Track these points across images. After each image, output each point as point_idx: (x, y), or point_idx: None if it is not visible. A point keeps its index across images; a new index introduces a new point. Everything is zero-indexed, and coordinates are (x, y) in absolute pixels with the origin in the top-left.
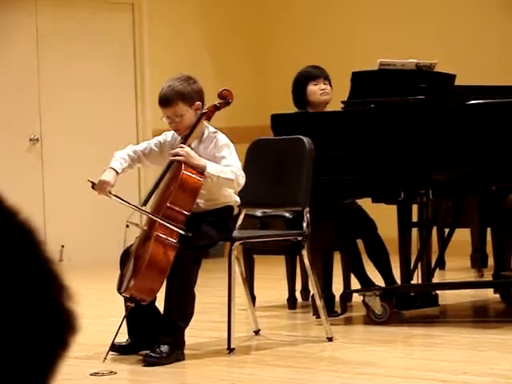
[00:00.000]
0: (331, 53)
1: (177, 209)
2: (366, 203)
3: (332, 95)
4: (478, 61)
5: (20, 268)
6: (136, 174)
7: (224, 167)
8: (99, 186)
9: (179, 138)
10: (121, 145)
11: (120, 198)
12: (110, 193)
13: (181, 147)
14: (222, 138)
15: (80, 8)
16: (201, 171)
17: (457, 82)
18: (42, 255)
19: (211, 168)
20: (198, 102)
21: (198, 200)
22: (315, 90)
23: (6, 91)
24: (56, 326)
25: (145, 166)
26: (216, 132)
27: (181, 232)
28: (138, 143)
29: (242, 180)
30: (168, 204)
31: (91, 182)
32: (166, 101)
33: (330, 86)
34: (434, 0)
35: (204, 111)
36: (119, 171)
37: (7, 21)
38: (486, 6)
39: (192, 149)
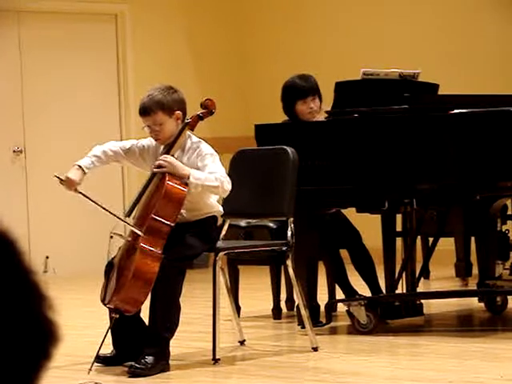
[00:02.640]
0: (315, 62)
1: (161, 220)
2: (350, 213)
3: (323, 104)
4: (462, 70)
5: (1, 278)
6: (120, 183)
7: (208, 174)
8: (66, 183)
9: (161, 147)
10: None
11: (87, 197)
12: (76, 190)
13: (163, 158)
14: (205, 148)
15: (63, 19)
16: (185, 182)
17: (440, 92)
18: (23, 266)
19: (195, 177)
20: (178, 112)
21: (182, 211)
22: (304, 109)
23: None
24: (38, 337)
25: (123, 164)
26: (199, 141)
27: (137, 232)
28: None
29: (228, 185)
30: (152, 215)
31: (58, 177)
32: (145, 110)
33: (320, 98)
34: (417, 10)
35: (187, 121)
36: (86, 170)
37: None
38: (471, 16)
39: (176, 159)
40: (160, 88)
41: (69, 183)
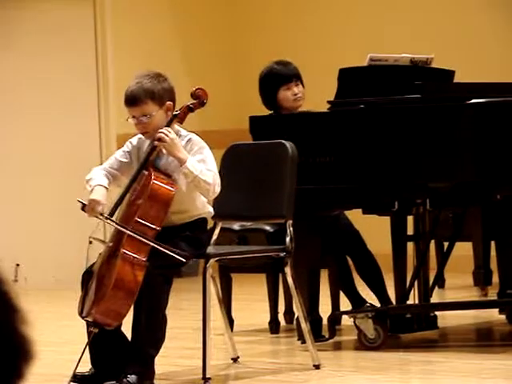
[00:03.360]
0: (314, 48)
1: (146, 223)
2: (355, 215)
3: (305, 93)
4: (479, 56)
5: None
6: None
7: (205, 169)
8: (90, 207)
9: (147, 142)
10: (81, 152)
11: (114, 221)
12: (102, 214)
13: (166, 131)
14: (197, 141)
15: (35, 6)
16: (172, 181)
17: (456, 79)
18: None
19: (191, 164)
20: (169, 102)
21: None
22: (288, 96)
23: None
24: (9, 354)
25: (120, 183)
26: (189, 134)
27: (177, 257)
28: (100, 150)
29: (218, 188)
30: (136, 218)
31: (81, 202)
32: (133, 99)
33: (302, 84)
34: (468, 4)
35: (176, 113)
36: (108, 186)
37: None
38: (487, 15)
39: (162, 154)
40: (149, 75)
41: (93, 206)
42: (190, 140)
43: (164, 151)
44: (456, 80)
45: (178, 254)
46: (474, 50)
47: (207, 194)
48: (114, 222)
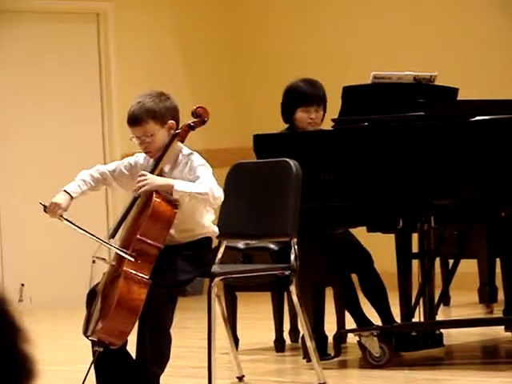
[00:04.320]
0: (318, 66)
1: (148, 241)
2: (360, 232)
3: (323, 118)
4: (482, 73)
5: None
6: (104, 203)
7: (196, 183)
8: (50, 209)
9: (152, 161)
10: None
11: (72, 223)
12: (62, 216)
13: (140, 177)
14: (197, 159)
15: (38, 19)
16: (175, 201)
17: (460, 97)
18: None
19: (180, 185)
20: (172, 121)
21: (172, 231)
22: (304, 118)
23: None
24: (11, 373)
25: (112, 188)
26: (191, 153)
27: (126, 256)
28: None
29: (218, 192)
30: (138, 236)
31: (43, 204)
32: (135, 119)
33: (324, 109)
34: (432, 9)
35: (177, 131)
36: (73, 195)
37: None
38: (489, 16)
39: (164, 173)
40: (151, 94)
41: (54, 208)
42: (189, 158)
43: (166, 169)
44: (460, 96)
45: (126, 253)
46: (478, 64)
47: (209, 203)
48: (73, 224)
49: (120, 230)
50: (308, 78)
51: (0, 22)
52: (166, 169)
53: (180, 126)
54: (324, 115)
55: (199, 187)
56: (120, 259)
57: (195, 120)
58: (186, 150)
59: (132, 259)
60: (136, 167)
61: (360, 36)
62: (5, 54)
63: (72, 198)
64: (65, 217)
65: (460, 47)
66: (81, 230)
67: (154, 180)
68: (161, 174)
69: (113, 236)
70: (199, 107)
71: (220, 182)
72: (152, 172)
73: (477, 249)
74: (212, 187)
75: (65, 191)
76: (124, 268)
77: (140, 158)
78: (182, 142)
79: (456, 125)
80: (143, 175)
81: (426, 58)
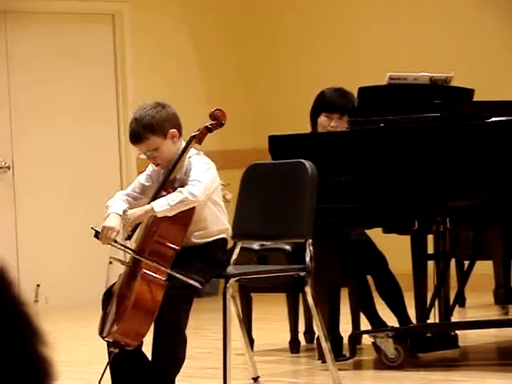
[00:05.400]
0: (333, 66)
1: (165, 243)
2: (375, 233)
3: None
4: (498, 74)
5: None
6: None
7: (171, 196)
8: (104, 234)
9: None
10: (101, 172)
11: (127, 247)
12: (116, 241)
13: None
14: (195, 161)
15: (55, 19)
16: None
17: (475, 98)
18: (12, 297)
19: (158, 206)
20: (173, 130)
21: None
22: (324, 123)
23: None
24: (29, 376)
25: (142, 203)
26: (193, 155)
27: (193, 283)
28: (120, 174)
29: (195, 189)
30: (156, 237)
31: (95, 229)
32: (134, 137)
33: (350, 116)
34: (447, 9)
35: (193, 134)
36: (121, 213)
37: None
38: (506, 16)
39: (177, 179)
40: (145, 108)
41: (107, 232)
42: (189, 161)
43: (178, 176)
44: (475, 97)
45: (193, 280)
46: (493, 65)
47: (195, 203)
48: (129, 249)
49: (136, 232)
50: (340, 87)
51: (15, 22)
52: (179, 175)
53: (198, 128)
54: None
55: (176, 196)
56: (137, 261)
57: (213, 122)
58: (190, 152)
59: (163, 268)
60: (153, 174)
61: (376, 38)
62: (20, 54)
63: (120, 215)
64: (118, 240)
65: (483, 46)
66: (130, 251)
67: (132, 215)
68: (176, 176)
69: (129, 238)
70: (217, 110)
71: (235, 183)
72: (168, 175)
73: (492, 250)
74: (189, 190)
75: (114, 213)
76: (142, 270)
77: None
78: (200, 143)
79: (472, 126)
80: (107, 228)
81: (442, 64)
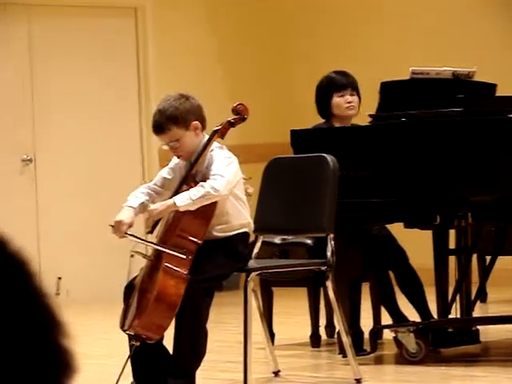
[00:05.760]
0: (356, 59)
1: (187, 237)
2: (397, 228)
3: (360, 107)
4: None
5: (9, 303)
6: None
7: (193, 190)
8: (116, 228)
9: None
10: (123, 168)
11: (139, 238)
12: (127, 233)
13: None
14: (216, 155)
15: (77, 13)
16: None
17: (498, 93)
18: (34, 289)
19: (180, 200)
20: (195, 122)
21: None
22: (340, 102)
23: None
24: (50, 367)
25: (164, 196)
26: (214, 149)
27: (179, 255)
28: (142, 166)
29: (217, 184)
30: (178, 231)
31: (111, 225)
32: (157, 128)
33: (359, 96)
34: (470, 4)
35: (216, 129)
36: (135, 206)
37: None
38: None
39: (199, 173)
40: (169, 99)
41: (118, 225)
42: (211, 155)
43: (200, 169)
44: (498, 92)
45: (175, 251)
46: None
47: (218, 197)
48: (144, 240)
49: (158, 226)
50: (338, 70)
51: (38, 16)
52: (201, 168)
53: (220, 123)
54: (360, 103)
55: (198, 191)
56: (159, 254)
57: (235, 117)
58: (213, 146)
59: (184, 256)
60: (176, 169)
61: (400, 34)
62: (42, 48)
63: (135, 210)
64: (129, 233)
65: (499, 46)
66: (149, 243)
67: (154, 211)
68: (197, 171)
69: (151, 231)
70: (239, 104)
71: (257, 177)
72: (190, 169)
73: None
74: (211, 184)
75: (128, 206)
76: (163, 263)
77: (175, 159)
78: (222, 138)
79: (495, 121)
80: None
81: (464, 59)
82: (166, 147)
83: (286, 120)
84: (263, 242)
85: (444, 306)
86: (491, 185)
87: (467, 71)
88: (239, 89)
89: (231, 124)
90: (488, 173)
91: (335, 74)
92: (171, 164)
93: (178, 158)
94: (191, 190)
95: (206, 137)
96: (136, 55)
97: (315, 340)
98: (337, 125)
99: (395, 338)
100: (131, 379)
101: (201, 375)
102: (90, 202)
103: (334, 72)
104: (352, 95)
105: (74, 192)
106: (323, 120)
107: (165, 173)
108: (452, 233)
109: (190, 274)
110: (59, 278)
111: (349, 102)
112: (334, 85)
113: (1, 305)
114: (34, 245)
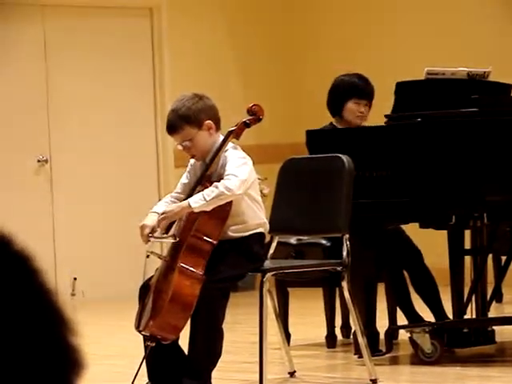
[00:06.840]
0: (371, 60)
1: (202, 237)
2: (412, 228)
3: (372, 110)
4: None
5: (15, 300)
6: (156, 199)
7: (207, 191)
8: (140, 232)
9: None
10: (138, 170)
11: (161, 237)
12: (151, 237)
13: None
14: (231, 155)
15: (92, 13)
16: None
17: None
18: (40, 285)
19: (195, 202)
20: (209, 121)
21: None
22: (354, 109)
23: (12, 108)
24: (57, 364)
25: None
26: (229, 149)
27: (170, 240)
28: (158, 164)
29: (231, 184)
30: (193, 232)
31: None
32: (170, 127)
33: (370, 106)
34: (484, 6)
35: (231, 129)
36: (159, 212)
37: (11, 31)
38: None
39: (214, 173)
40: (183, 99)
41: (141, 230)
42: (225, 155)
43: (215, 169)
44: None
45: (169, 237)
46: None
47: (233, 197)
48: (160, 237)
49: (172, 228)
50: (360, 74)
51: (53, 16)
52: (216, 169)
53: (236, 123)
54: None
55: (212, 191)
56: (175, 255)
57: (250, 117)
58: (227, 146)
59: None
60: (191, 170)
61: (414, 34)
62: (57, 48)
63: (158, 214)
64: (154, 235)
65: None
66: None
67: (169, 212)
68: (212, 171)
69: (166, 231)
70: (254, 105)
71: (272, 177)
72: (206, 169)
73: None
74: (225, 184)
75: (152, 212)
76: (179, 263)
77: (192, 160)
78: (238, 138)
79: (510, 121)
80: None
81: (483, 55)
82: (180, 147)
83: (301, 120)
84: (279, 243)
85: (459, 307)
86: (506, 185)
87: (482, 71)
88: (254, 89)
89: (246, 125)
90: (503, 173)
91: (358, 79)
92: (188, 168)
93: (192, 157)
94: (205, 190)
95: (221, 137)
96: (151, 56)
97: (331, 340)
98: (346, 123)
99: (410, 339)
100: (147, 380)
101: (216, 376)
102: (106, 203)
103: (357, 76)
104: (366, 106)
105: (89, 192)
106: (333, 119)
107: (184, 179)
108: (467, 233)
109: (205, 274)
110: (75, 279)
111: (361, 112)
112: (354, 90)
113: (7, 302)
114: (49, 245)
